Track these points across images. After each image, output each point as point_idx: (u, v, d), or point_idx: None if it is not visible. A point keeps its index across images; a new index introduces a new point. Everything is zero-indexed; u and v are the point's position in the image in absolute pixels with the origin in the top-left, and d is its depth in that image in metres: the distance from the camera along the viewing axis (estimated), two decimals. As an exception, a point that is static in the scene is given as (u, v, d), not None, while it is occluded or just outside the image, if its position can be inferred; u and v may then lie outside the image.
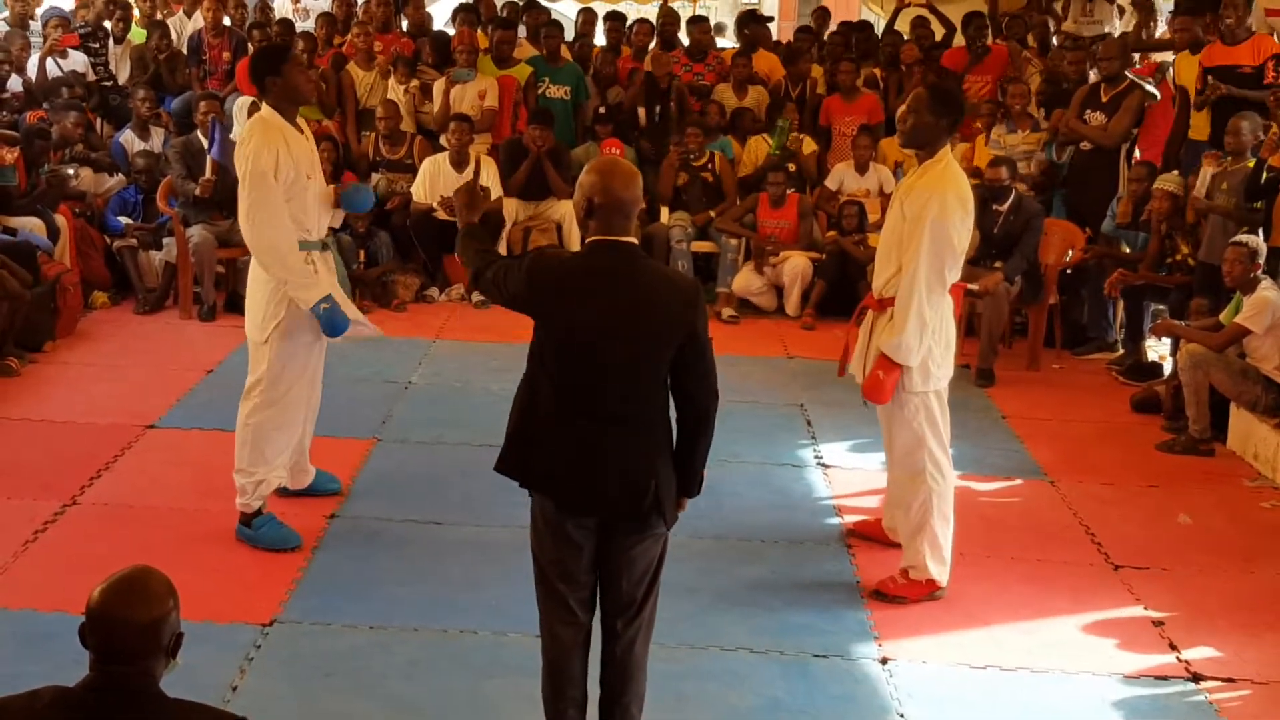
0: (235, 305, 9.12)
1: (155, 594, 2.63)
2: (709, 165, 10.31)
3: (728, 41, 13.55)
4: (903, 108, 5.45)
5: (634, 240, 3.72)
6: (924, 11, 12.04)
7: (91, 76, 10.88)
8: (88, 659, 2.63)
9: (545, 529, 3.78)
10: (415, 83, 10.64)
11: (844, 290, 9.74)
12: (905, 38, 11.80)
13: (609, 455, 3.67)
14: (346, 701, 4.44)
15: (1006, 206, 8.49)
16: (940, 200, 5.07)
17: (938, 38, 11.68)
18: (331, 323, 5.43)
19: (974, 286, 8.33)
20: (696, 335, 3.69)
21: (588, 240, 3.71)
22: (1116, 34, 11.42)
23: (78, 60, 10.77)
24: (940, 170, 5.20)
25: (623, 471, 3.68)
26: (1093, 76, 9.94)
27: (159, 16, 12.02)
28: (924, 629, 5.18)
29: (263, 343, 5.48)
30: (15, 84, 10.21)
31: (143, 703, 2.58)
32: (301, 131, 5.46)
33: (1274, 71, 8.50)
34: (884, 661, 4.90)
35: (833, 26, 12.65)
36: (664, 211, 10.25)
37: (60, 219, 8.96)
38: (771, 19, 12.37)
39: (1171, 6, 12.27)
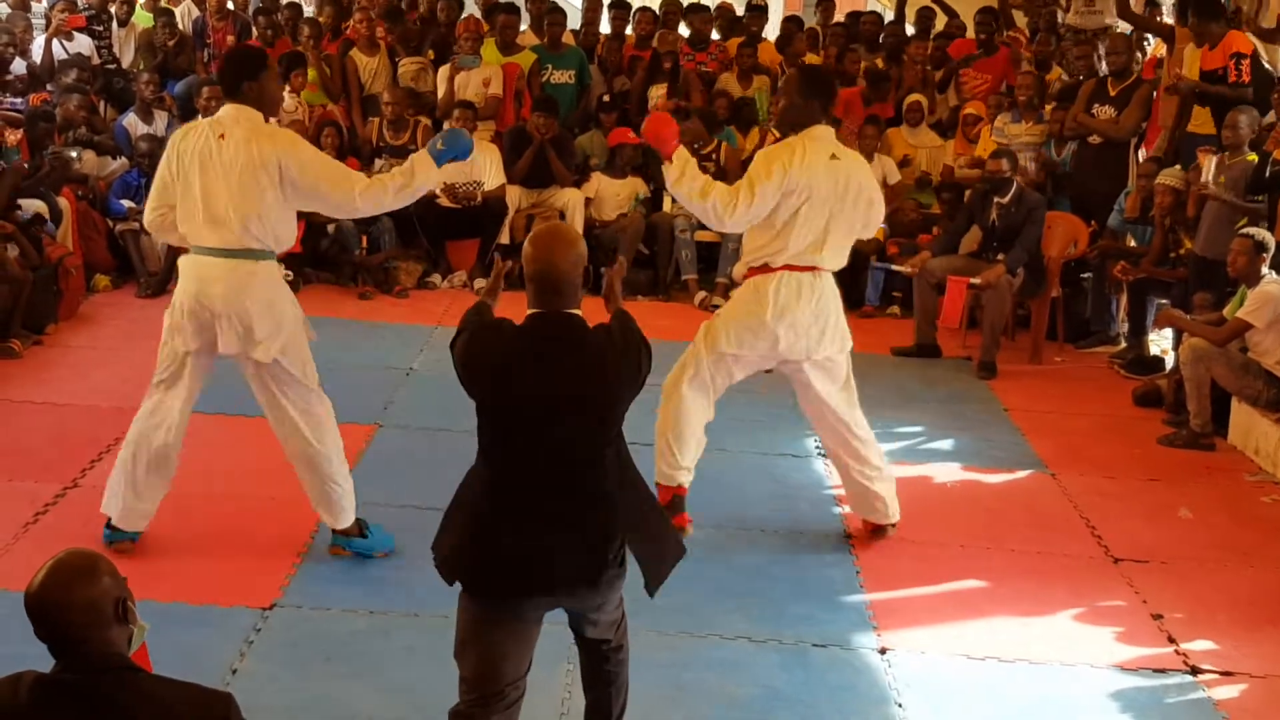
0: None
1: (86, 571, 2.63)
2: (713, 155, 10.29)
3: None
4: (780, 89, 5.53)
5: (575, 311, 3.49)
6: (929, 2, 12.03)
7: (96, 60, 10.87)
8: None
9: (485, 628, 3.50)
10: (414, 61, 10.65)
11: (846, 281, 9.71)
12: (909, 29, 11.79)
13: (567, 533, 3.43)
14: (345, 686, 4.45)
15: (1008, 199, 8.48)
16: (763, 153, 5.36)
17: (940, 27, 11.68)
18: (455, 140, 5.13)
19: (976, 280, 8.35)
20: (638, 388, 3.52)
21: (527, 313, 3.51)
22: (1118, 26, 11.40)
23: (83, 43, 10.77)
24: (793, 139, 5.33)
25: (583, 547, 3.46)
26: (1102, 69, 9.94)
27: (164, 3, 12.00)
28: (923, 619, 5.19)
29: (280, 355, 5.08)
30: (19, 66, 10.20)
31: (117, 676, 2.60)
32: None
33: (1235, 71, 8.49)
34: (883, 651, 4.90)
35: (839, 17, 12.63)
36: (667, 200, 10.24)
37: (63, 202, 8.95)
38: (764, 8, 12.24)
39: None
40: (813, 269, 5.43)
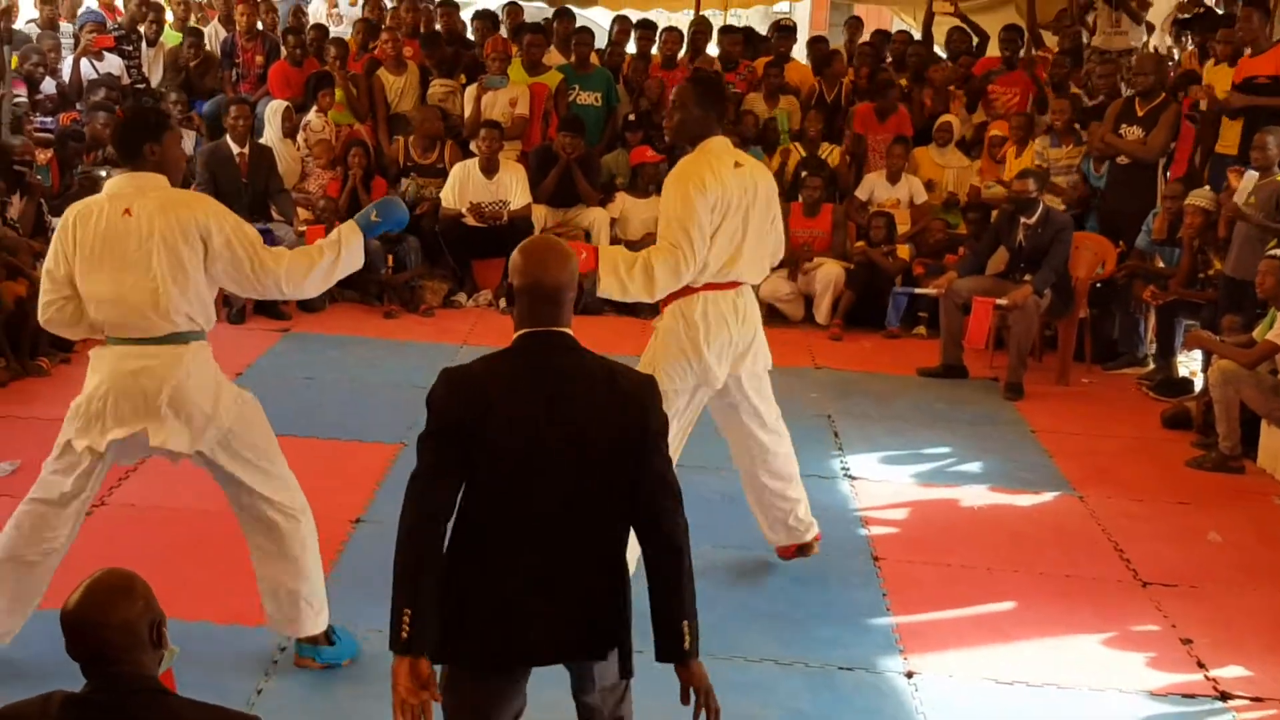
0: (264, 308, 9.18)
1: (125, 592, 2.66)
2: (737, 174, 10.28)
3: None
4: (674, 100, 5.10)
5: (567, 330, 3.15)
6: (957, 21, 12.02)
7: (125, 79, 10.94)
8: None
9: (473, 697, 3.20)
10: (443, 84, 10.69)
11: (872, 302, 9.74)
12: (936, 48, 11.78)
13: (565, 590, 3.10)
14: (371, 706, 4.43)
15: (1034, 219, 8.44)
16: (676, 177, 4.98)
17: (972, 47, 11.67)
18: (390, 211, 4.64)
19: (1003, 301, 8.32)
20: (648, 436, 3.11)
21: (516, 333, 3.15)
22: (1144, 47, 11.37)
23: (112, 63, 10.84)
24: (692, 157, 5.05)
25: (582, 605, 3.12)
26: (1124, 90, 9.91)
27: (193, 22, 12.09)
28: (950, 643, 5.16)
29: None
30: (49, 86, 10.28)
31: (147, 698, 2.60)
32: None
33: None
34: (909, 675, 4.87)
35: (865, 36, 12.63)
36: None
37: (92, 220, 8.99)
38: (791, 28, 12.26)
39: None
40: (734, 285, 5.11)
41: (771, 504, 5.50)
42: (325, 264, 4.42)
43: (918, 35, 12.59)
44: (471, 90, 10.52)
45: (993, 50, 11.70)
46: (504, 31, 11.78)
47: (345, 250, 4.46)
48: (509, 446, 3.01)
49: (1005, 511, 6.56)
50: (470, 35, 11.80)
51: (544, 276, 3.12)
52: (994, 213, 9.34)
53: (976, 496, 6.73)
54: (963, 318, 8.58)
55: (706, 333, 5.03)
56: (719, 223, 4.96)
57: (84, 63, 10.63)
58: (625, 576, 3.18)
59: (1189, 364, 8.93)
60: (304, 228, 9.33)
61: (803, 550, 5.61)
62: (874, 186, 10.31)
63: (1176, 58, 12.14)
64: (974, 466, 7.16)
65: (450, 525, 3.08)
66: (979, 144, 10.57)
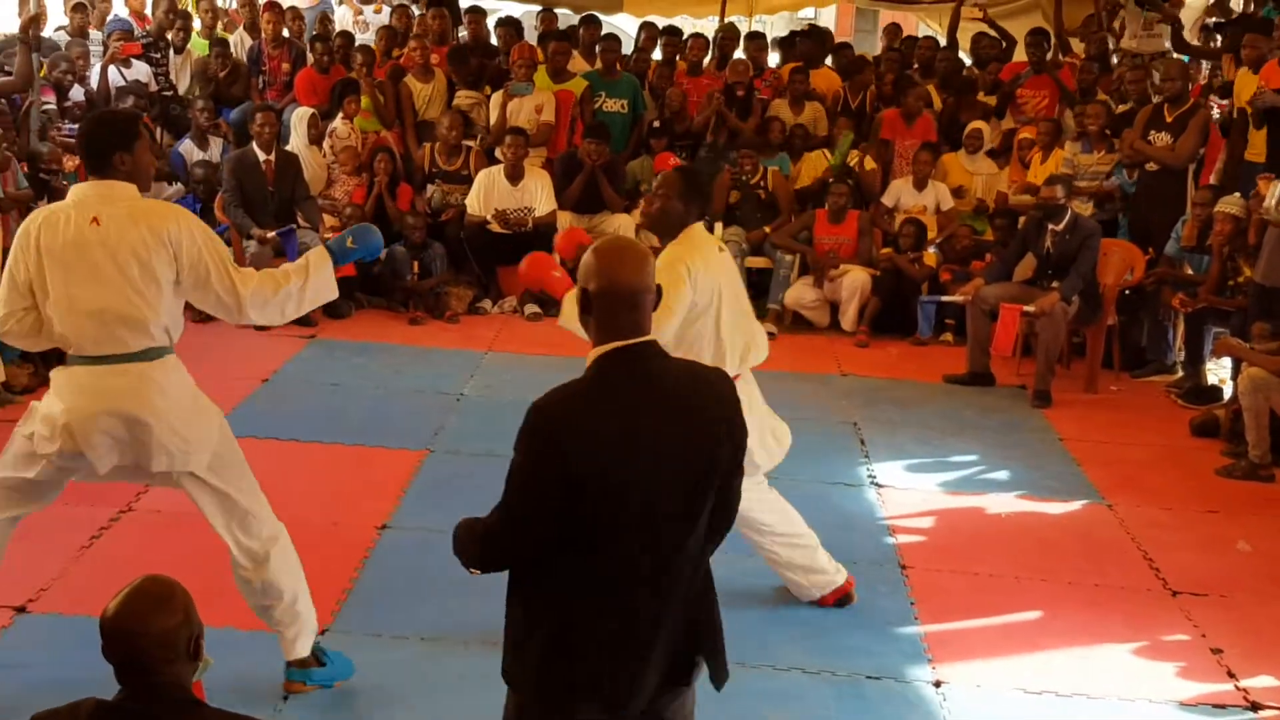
0: (290, 315, 9.18)
1: (167, 602, 2.66)
2: (761, 182, 10.29)
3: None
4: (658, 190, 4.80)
5: (650, 338, 2.87)
6: (984, 27, 11.98)
7: (153, 87, 10.99)
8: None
9: None
10: (469, 96, 10.71)
11: (898, 308, 9.70)
12: (961, 53, 11.75)
13: (662, 626, 2.90)
14: (395, 713, 4.44)
15: (1062, 226, 8.40)
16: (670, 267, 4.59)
17: (999, 52, 11.64)
18: (365, 238, 4.46)
19: (1030, 308, 8.28)
20: (738, 453, 2.95)
21: (593, 354, 2.86)
22: (1175, 52, 11.32)
23: (140, 70, 10.89)
24: (677, 245, 4.73)
25: (677, 638, 2.94)
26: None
27: (219, 30, 12.14)
28: (978, 652, 5.13)
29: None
30: (77, 93, 10.33)
31: (179, 710, 2.59)
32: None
33: None
34: (937, 684, 4.84)
35: (886, 40, 12.62)
36: (718, 227, 10.23)
37: (120, 227, 9.03)
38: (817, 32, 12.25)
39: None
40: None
41: (790, 562, 5.31)
42: (293, 289, 4.22)
43: (943, 41, 12.55)
44: (497, 97, 10.54)
45: (1019, 55, 11.66)
46: (532, 38, 11.80)
47: (314, 275, 4.26)
48: (616, 481, 2.74)
49: (1033, 520, 6.52)
50: (494, 42, 11.80)
51: (622, 279, 2.82)
52: (1021, 219, 9.30)
53: (1004, 505, 6.69)
54: (990, 325, 8.54)
55: None
56: (715, 313, 4.75)
57: (112, 70, 10.68)
58: (714, 592, 3.06)
59: (1218, 371, 8.86)
60: (329, 234, 9.36)
61: (842, 600, 5.37)
62: (900, 193, 10.28)
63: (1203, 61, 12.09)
64: (1001, 474, 7.12)
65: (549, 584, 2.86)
66: (1007, 150, 10.53)
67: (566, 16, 13.42)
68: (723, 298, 4.77)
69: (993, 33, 11.86)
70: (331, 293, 4.38)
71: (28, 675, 4.49)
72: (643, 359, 2.83)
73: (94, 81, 10.60)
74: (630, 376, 2.81)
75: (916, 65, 11.66)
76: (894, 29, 12.85)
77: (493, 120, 10.50)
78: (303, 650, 4.48)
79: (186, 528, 5.78)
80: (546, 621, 2.86)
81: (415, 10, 12.45)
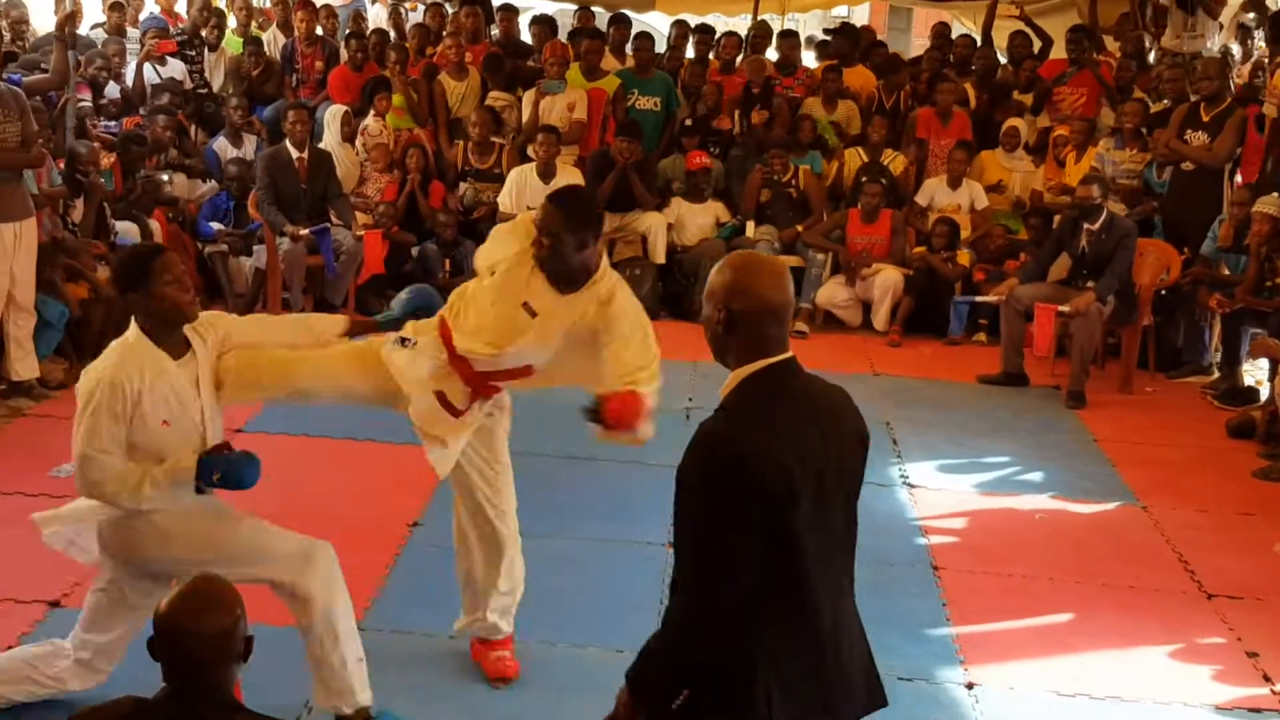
0: (323, 310, 9.21)
1: (223, 604, 2.63)
2: (793, 181, 10.26)
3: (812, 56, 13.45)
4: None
5: (790, 354, 2.75)
6: (1019, 24, 11.91)
7: (188, 84, 11.05)
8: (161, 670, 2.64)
9: None
10: (501, 98, 10.72)
11: (931, 308, 9.66)
12: (998, 52, 11.68)
13: (853, 639, 2.85)
14: (425, 711, 4.44)
15: (1098, 225, 8.34)
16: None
17: (1035, 50, 11.57)
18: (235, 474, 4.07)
19: (1065, 308, 8.23)
20: (868, 448, 2.92)
21: (736, 375, 2.71)
22: (1216, 51, 11.22)
23: (175, 68, 10.95)
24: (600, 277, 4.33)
25: (866, 662, 2.90)
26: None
27: (253, 28, 12.19)
28: (1011, 654, 5.10)
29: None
30: (113, 90, 10.39)
31: (222, 713, 2.58)
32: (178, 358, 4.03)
33: None
34: (970, 686, 4.81)
35: (924, 34, 12.55)
36: (750, 226, 10.21)
37: (154, 224, 9.11)
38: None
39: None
40: None
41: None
42: (155, 480, 3.95)
43: (978, 39, 12.49)
44: (529, 95, 10.53)
45: (1055, 53, 11.59)
46: (563, 35, 11.80)
47: (168, 480, 3.95)
48: (802, 505, 2.61)
49: (1067, 521, 6.48)
50: (527, 39, 11.81)
51: (770, 294, 2.70)
52: (1056, 218, 9.24)
53: (1038, 506, 6.65)
54: (1024, 325, 8.50)
55: None
56: None
57: (147, 68, 10.73)
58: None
59: (1254, 373, 8.79)
60: (362, 231, 9.38)
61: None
62: (934, 191, 10.23)
63: (1238, 59, 11.97)
64: (1035, 475, 7.07)
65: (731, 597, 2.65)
66: (1043, 148, 10.46)
67: (601, 15, 13.42)
68: None
69: (1029, 30, 11.78)
70: (177, 500, 4.02)
71: (61, 669, 4.51)
72: (794, 375, 2.74)
73: (129, 79, 10.66)
74: (788, 395, 2.71)
75: (953, 63, 11.59)
76: (941, 28, 12.74)
77: (525, 118, 10.50)
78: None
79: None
80: (760, 662, 2.66)
81: (449, 8, 12.46)
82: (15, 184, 7.19)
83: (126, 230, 8.74)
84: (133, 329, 4.00)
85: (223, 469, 4.00)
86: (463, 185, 10.32)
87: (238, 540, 4.14)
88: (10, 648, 4.58)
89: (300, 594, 4.11)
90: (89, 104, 9.68)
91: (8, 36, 10.25)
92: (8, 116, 7.04)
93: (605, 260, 4.40)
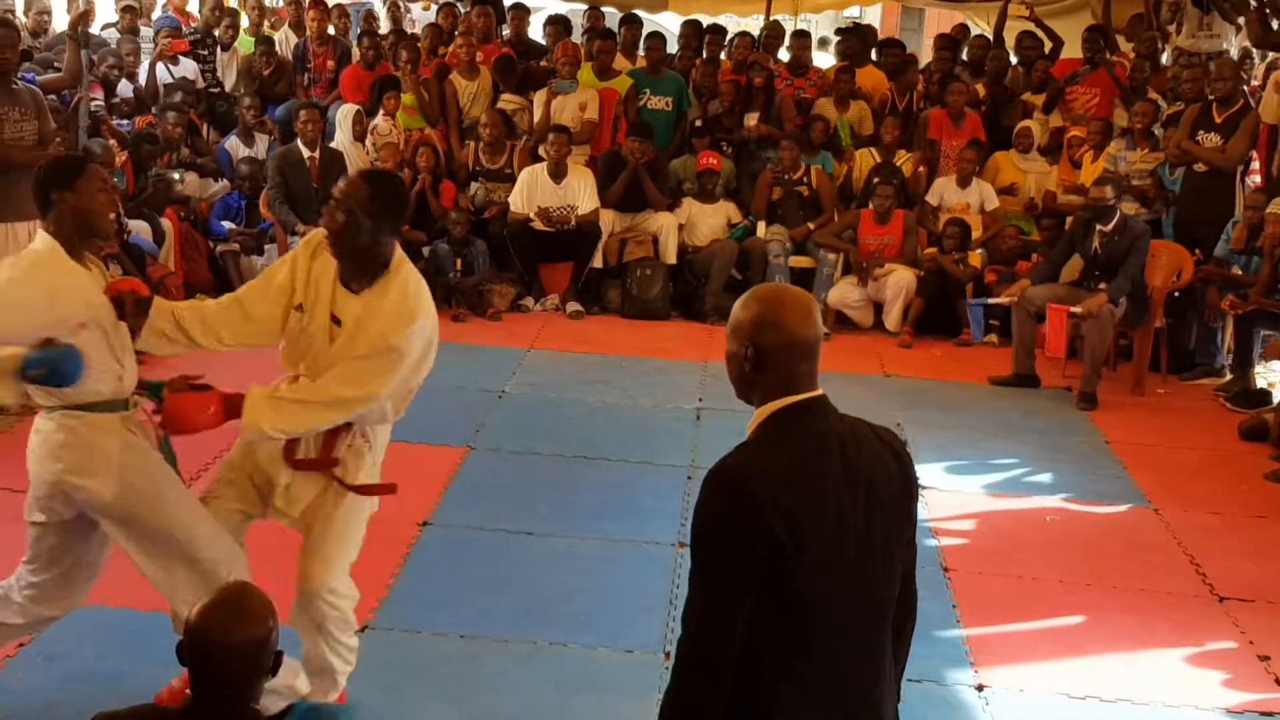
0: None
1: (256, 615, 2.61)
2: (804, 180, 10.25)
3: (830, 57, 13.41)
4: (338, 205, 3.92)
5: (821, 392, 2.60)
6: (1030, 26, 11.89)
7: (200, 83, 11.07)
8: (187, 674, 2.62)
9: None
10: (513, 101, 10.71)
11: (942, 309, 9.64)
12: (1009, 52, 11.66)
13: (877, 696, 2.64)
14: (434, 710, 4.44)
15: (1111, 226, 8.31)
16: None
17: (1045, 50, 11.54)
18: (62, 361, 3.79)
19: (1077, 309, 8.21)
20: (917, 498, 2.74)
21: (761, 412, 2.56)
22: (1232, 51, 11.18)
23: (188, 67, 10.97)
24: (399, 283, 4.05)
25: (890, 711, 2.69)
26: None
27: (266, 28, 12.21)
28: (1021, 656, 5.08)
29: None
30: (126, 89, 10.41)
31: None
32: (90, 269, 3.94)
33: None
34: (980, 688, 4.80)
35: (935, 35, 12.53)
36: (760, 226, 10.20)
37: (166, 223, 9.13)
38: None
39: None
40: None
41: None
42: None
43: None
44: (541, 95, 10.53)
45: (1067, 54, 11.56)
46: (578, 36, 11.80)
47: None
48: (813, 557, 2.44)
49: (1078, 523, 6.45)
50: (542, 40, 11.81)
51: (804, 330, 2.56)
52: (1068, 219, 9.21)
53: (1049, 508, 6.62)
54: (1035, 326, 8.48)
55: None
56: None
57: (160, 67, 10.76)
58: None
59: (1267, 375, 8.77)
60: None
61: None
62: (943, 191, 10.21)
63: (1256, 61, 11.94)
64: (1046, 477, 7.05)
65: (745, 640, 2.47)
66: (1056, 149, 10.44)
67: (614, 15, 13.42)
68: None
69: (1039, 31, 11.76)
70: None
71: (70, 666, 4.51)
72: (821, 415, 2.57)
73: (142, 78, 10.68)
74: (814, 436, 2.54)
75: (965, 64, 11.57)
76: (957, 31, 12.71)
77: (536, 118, 10.51)
78: None
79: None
80: (765, 711, 2.50)
81: (461, 8, 12.47)
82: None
83: (138, 229, 8.76)
84: (43, 239, 3.83)
85: (46, 362, 3.74)
86: (474, 185, 10.33)
87: (178, 515, 4.00)
88: (23, 645, 4.59)
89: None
90: (102, 103, 9.70)
91: (30, 29, 10.31)
92: (24, 115, 7.06)
93: (410, 285, 4.06)
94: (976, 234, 9.93)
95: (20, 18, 10.65)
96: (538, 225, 9.86)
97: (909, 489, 2.67)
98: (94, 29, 10.36)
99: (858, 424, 2.63)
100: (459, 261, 9.73)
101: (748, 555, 2.39)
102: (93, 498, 3.88)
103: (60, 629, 4.75)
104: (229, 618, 2.58)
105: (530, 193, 9.89)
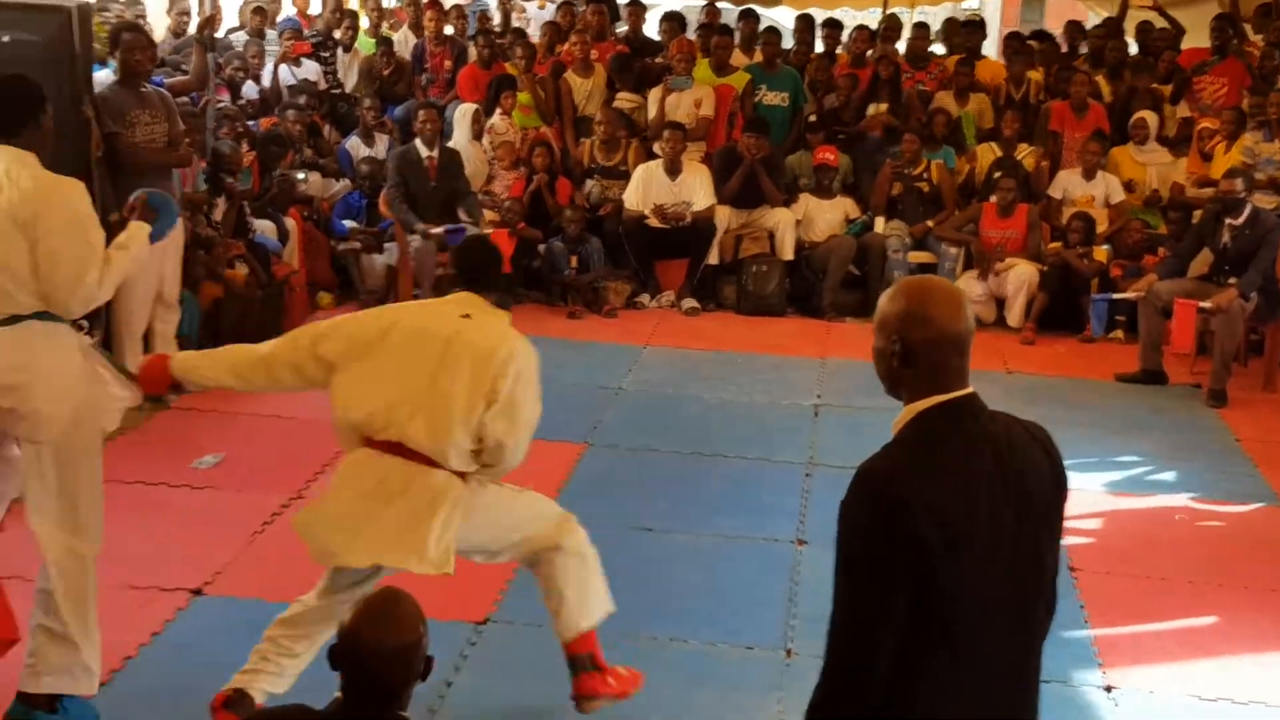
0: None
1: (408, 622, 2.62)
2: (925, 175, 10.13)
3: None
4: None
5: (972, 389, 2.52)
6: (1153, 15, 11.63)
7: (322, 84, 11.25)
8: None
9: None
10: (629, 99, 10.73)
11: (1066, 304, 9.47)
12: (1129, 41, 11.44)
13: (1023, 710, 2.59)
14: (556, 703, 4.45)
15: (1241, 220, 8.11)
16: None
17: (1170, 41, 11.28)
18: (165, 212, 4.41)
19: (1207, 304, 8.03)
20: (1066, 497, 2.64)
21: (909, 410, 2.49)
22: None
23: (310, 69, 11.16)
24: None
25: None
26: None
27: (385, 29, 12.38)
28: (1151, 657, 4.98)
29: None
30: (250, 91, 10.62)
31: None
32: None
33: None
34: (1108, 689, 4.71)
35: (1056, 27, 12.31)
36: (879, 221, 10.10)
37: (290, 222, 9.29)
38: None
39: None
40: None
41: None
42: (123, 259, 4.15)
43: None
44: (656, 92, 10.55)
45: (1189, 43, 11.30)
46: (692, 32, 11.79)
47: (133, 242, 4.22)
48: (966, 559, 2.37)
49: (1208, 522, 6.31)
50: (657, 36, 11.81)
51: (955, 324, 2.48)
52: (1197, 213, 9.00)
53: (1177, 506, 6.48)
54: (1163, 322, 8.30)
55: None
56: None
57: (283, 69, 10.96)
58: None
59: (1407, 372, 8.47)
60: (490, 229, 9.47)
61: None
62: (1067, 183, 10.03)
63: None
64: (1174, 476, 6.90)
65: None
66: (1185, 140, 10.20)
67: (730, 11, 13.40)
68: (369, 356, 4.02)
69: (1162, 21, 11.50)
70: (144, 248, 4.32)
71: (201, 656, 4.61)
72: (973, 414, 2.49)
73: (266, 80, 10.88)
74: (964, 435, 2.46)
75: (1086, 54, 11.35)
76: (1074, 27, 12.49)
77: (651, 115, 10.52)
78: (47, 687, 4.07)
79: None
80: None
81: (577, 7, 12.53)
82: (164, 184, 7.38)
83: (264, 228, 8.93)
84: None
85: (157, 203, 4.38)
86: (589, 182, 10.37)
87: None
88: (156, 634, 4.71)
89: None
90: (228, 105, 9.90)
91: (171, 29, 10.57)
92: (155, 117, 7.22)
93: None
94: (1102, 228, 9.73)
95: (164, 18, 10.91)
96: (653, 222, 9.87)
97: (1060, 488, 2.57)
98: (220, 33, 10.56)
99: (1010, 422, 2.56)
100: (574, 259, 9.78)
101: (896, 556, 2.33)
102: None
103: (193, 619, 4.88)
104: (382, 624, 2.59)
105: (646, 190, 9.91)
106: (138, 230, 4.29)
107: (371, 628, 2.58)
